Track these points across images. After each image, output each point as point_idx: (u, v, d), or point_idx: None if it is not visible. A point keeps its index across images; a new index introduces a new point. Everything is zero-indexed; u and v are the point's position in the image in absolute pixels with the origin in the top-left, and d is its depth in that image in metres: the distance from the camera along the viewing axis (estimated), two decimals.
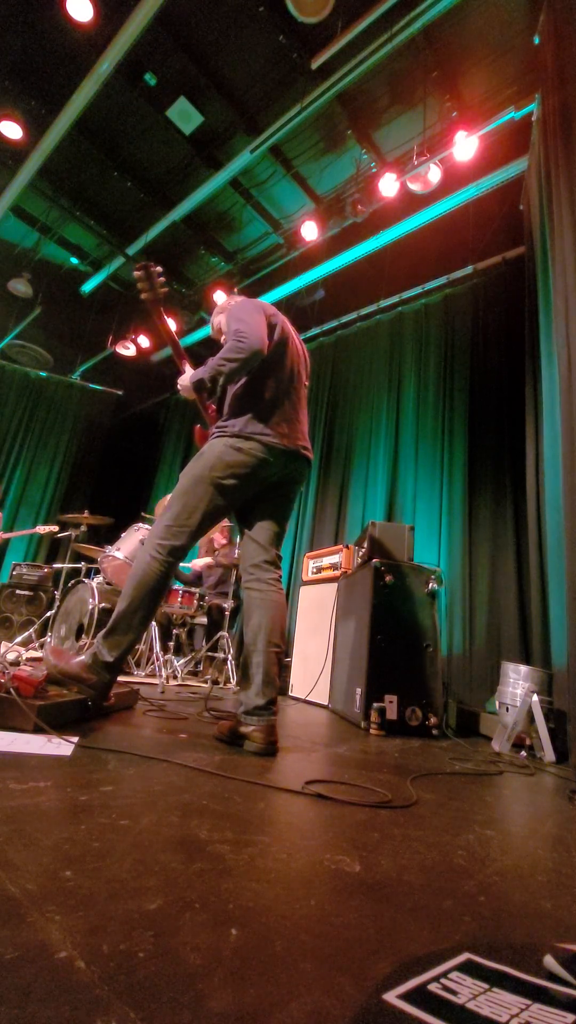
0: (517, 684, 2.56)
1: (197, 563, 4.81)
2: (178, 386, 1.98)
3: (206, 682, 3.96)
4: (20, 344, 7.29)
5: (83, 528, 4.53)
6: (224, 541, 4.87)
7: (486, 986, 0.52)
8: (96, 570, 3.92)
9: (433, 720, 2.59)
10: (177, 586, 4.11)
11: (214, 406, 2.08)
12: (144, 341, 6.83)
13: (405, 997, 0.49)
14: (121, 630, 1.74)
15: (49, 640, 3.92)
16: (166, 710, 2.22)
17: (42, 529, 5.03)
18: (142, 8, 3.66)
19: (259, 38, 4.09)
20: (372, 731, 2.44)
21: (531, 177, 3.89)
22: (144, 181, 5.48)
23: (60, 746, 1.28)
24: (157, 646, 3.23)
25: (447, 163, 4.20)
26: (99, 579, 3.64)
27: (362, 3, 3.63)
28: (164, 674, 3.15)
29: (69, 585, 3.96)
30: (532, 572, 3.29)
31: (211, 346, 6.66)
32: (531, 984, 0.54)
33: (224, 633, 4.18)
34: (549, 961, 0.57)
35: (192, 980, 0.49)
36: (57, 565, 4.91)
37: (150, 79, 4.46)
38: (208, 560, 4.79)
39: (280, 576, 1.94)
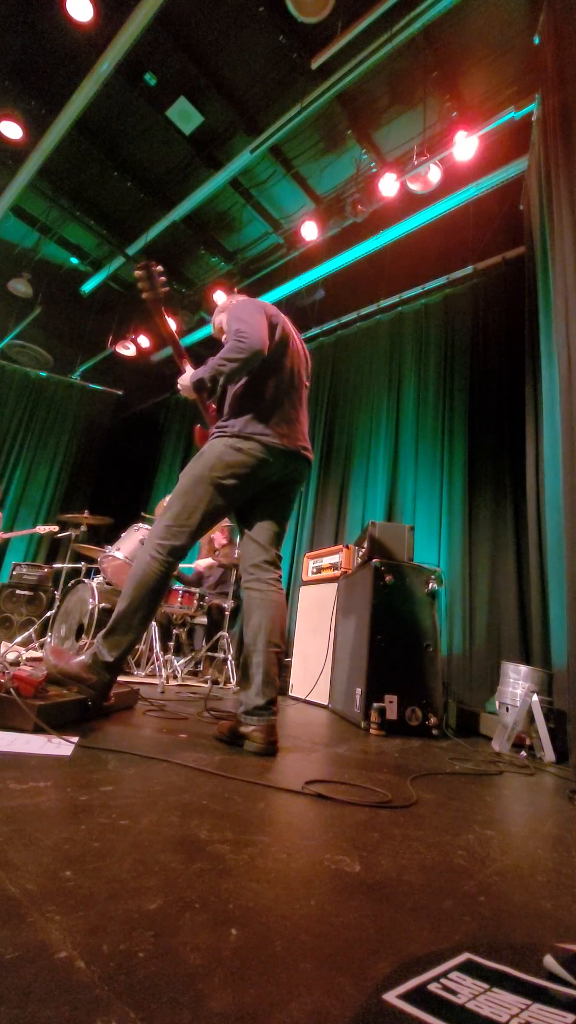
0: (517, 684, 2.56)
1: (200, 564, 4.81)
2: (178, 386, 1.99)
3: (206, 682, 3.96)
4: (20, 344, 7.29)
5: (83, 528, 4.53)
6: (224, 541, 4.87)
7: (486, 986, 0.52)
8: (96, 570, 3.92)
9: (433, 720, 2.59)
10: (177, 586, 4.11)
11: (214, 406, 2.08)
12: (144, 341, 6.83)
13: (405, 997, 0.49)
14: (121, 630, 1.74)
15: (49, 640, 3.92)
16: (166, 710, 2.22)
17: (42, 529, 5.03)
18: (142, 8, 3.66)
19: (259, 38, 4.09)
20: (372, 731, 2.44)
21: (531, 177, 3.89)
22: (144, 181, 5.48)
23: (60, 746, 1.28)
24: (157, 646, 3.23)
25: (447, 163, 4.20)
26: (99, 579, 3.64)
27: (362, 3, 3.63)
28: (164, 674, 3.15)
29: (69, 585, 3.96)
30: (532, 572, 3.28)
31: (211, 346, 6.67)
32: (531, 984, 0.54)
33: (224, 633, 4.18)
34: (549, 961, 0.57)
35: (192, 980, 0.49)
36: (57, 565, 4.91)
37: (150, 79, 4.46)
38: (211, 561, 4.79)
39: (280, 576, 1.94)
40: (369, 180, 4.67)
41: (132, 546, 3.42)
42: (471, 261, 5.05)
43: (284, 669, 4.03)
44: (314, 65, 3.98)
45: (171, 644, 4.01)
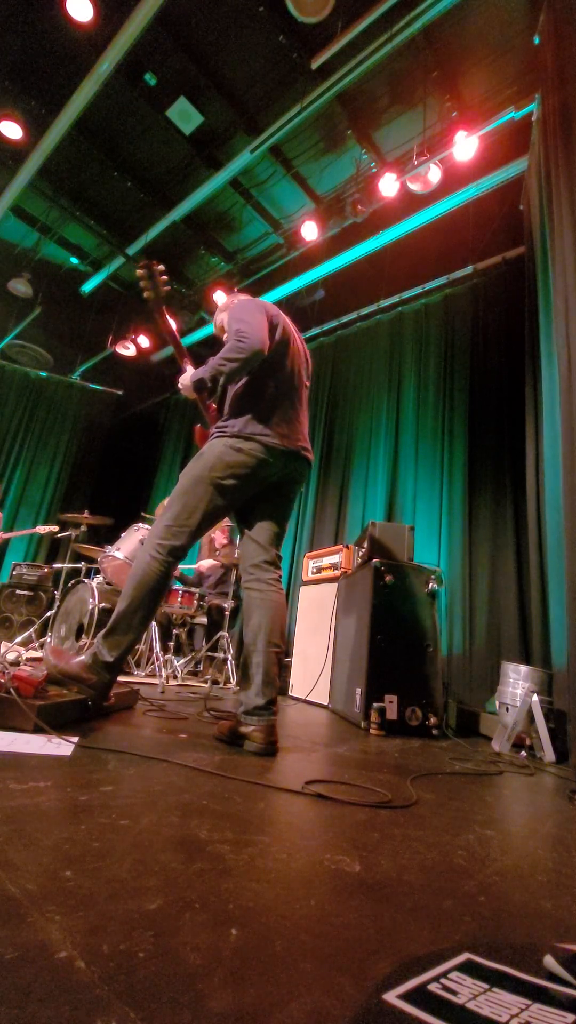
0: (517, 684, 2.56)
1: (203, 565, 4.80)
2: (179, 385, 1.99)
3: (206, 682, 3.96)
4: (20, 344, 7.29)
5: (83, 528, 4.53)
6: (225, 541, 4.87)
7: (486, 986, 0.52)
8: (96, 570, 3.92)
9: (433, 720, 2.59)
10: (177, 586, 4.11)
11: (215, 405, 2.08)
12: (144, 341, 6.83)
13: (405, 997, 0.49)
14: (121, 630, 1.74)
15: (49, 640, 3.92)
16: (166, 710, 2.22)
17: (42, 529, 5.03)
18: (142, 8, 3.66)
19: (259, 38, 4.09)
20: (372, 731, 2.44)
21: (531, 177, 3.89)
22: (144, 181, 5.48)
23: (60, 746, 1.28)
24: (157, 646, 3.23)
25: (447, 163, 4.20)
26: (99, 579, 3.64)
27: (362, 3, 3.63)
28: (164, 674, 3.15)
29: (69, 585, 3.96)
30: (532, 572, 3.28)
31: (211, 346, 6.68)
32: (531, 984, 0.54)
33: (224, 633, 4.18)
34: (549, 961, 0.57)
35: (192, 980, 0.49)
36: (57, 565, 4.91)
37: (150, 79, 4.46)
38: (214, 562, 4.78)
39: (280, 576, 1.94)
40: (369, 180, 4.67)
41: (132, 546, 3.42)
42: (471, 261, 5.05)
43: (284, 669, 4.03)
44: (314, 65, 3.98)
45: (171, 644, 4.01)
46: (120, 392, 8.33)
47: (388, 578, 2.76)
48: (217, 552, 4.87)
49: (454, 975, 0.54)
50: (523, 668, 2.61)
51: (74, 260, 6.70)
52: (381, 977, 0.53)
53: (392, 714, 2.53)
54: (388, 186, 4.41)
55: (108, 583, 3.57)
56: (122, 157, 5.28)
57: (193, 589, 4.09)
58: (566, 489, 2.36)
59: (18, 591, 5.01)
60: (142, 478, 8.32)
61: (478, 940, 0.64)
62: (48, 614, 4.57)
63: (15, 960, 0.48)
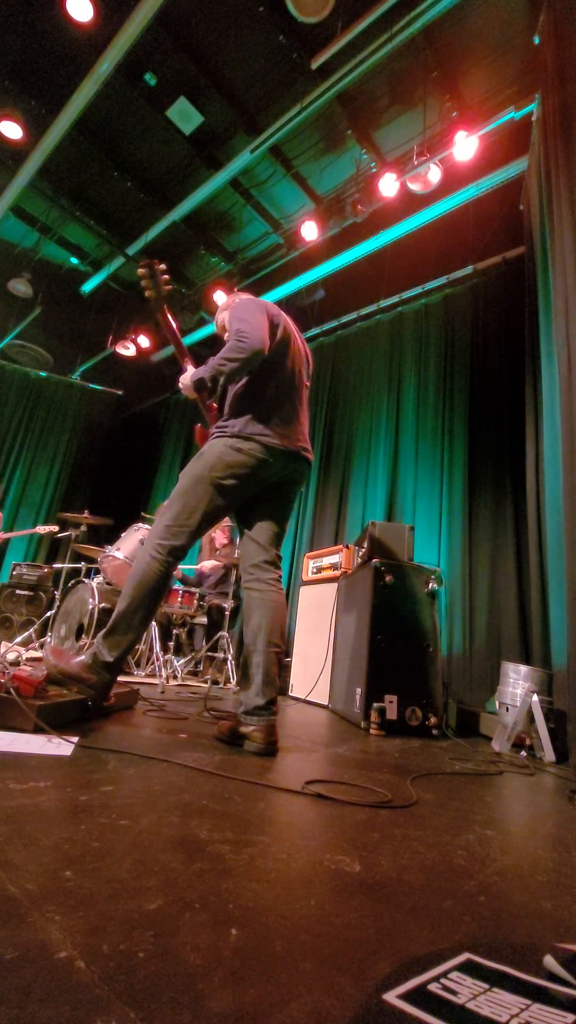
0: (517, 684, 2.56)
1: (205, 565, 4.79)
2: (179, 384, 1.99)
3: (206, 682, 3.96)
4: (20, 344, 7.29)
5: (83, 528, 4.53)
6: (225, 541, 4.87)
7: (486, 986, 0.52)
8: (96, 570, 3.92)
9: (433, 720, 2.59)
10: (177, 586, 4.11)
11: (215, 405, 2.08)
12: (144, 341, 6.83)
13: (405, 997, 0.49)
14: (121, 630, 1.74)
15: (49, 640, 3.92)
16: (166, 710, 2.22)
17: (42, 529, 5.03)
18: (142, 8, 3.66)
19: (259, 38, 4.09)
20: (372, 731, 2.44)
21: (531, 177, 3.89)
22: (144, 181, 5.48)
23: (60, 746, 1.28)
24: (157, 646, 3.23)
25: (447, 163, 4.20)
26: (99, 579, 3.64)
27: (362, 3, 3.62)
28: (164, 674, 3.15)
29: (69, 585, 3.96)
30: (532, 572, 3.28)
31: (211, 346, 6.69)
32: (531, 984, 0.54)
33: (224, 633, 4.18)
34: (549, 961, 0.57)
35: (192, 980, 0.49)
36: (57, 565, 4.91)
37: (150, 79, 4.46)
38: (216, 563, 4.77)
39: (280, 576, 1.94)
40: (369, 180, 4.66)
41: (132, 546, 3.42)
42: (471, 261, 5.05)
43: (284, 669, 4.03)
44: (314, 65, 3.98)
45: (171, 644, 4.01)
46: (120, 392, 8.33)
47: (388, 578, 2.76)
48: (218, 552, 4.87)
49: (454, 975, 0.54)
50: (523, 668, 2.61)
51: (74, 260, 6.70)
52: (381, 977, 0.53)
53: (392, 714, 2.53)
54: (388, 186, 4.41)
55: (108, 583, 3.57)
56: (122, 157, 5.27)
57: (193, 589, 4.09)
58: (566, 489, 2.36)
59: (18, 591, 5.01)
60: (142, 478, 8.32)
61: (478, 940, 0.64)
62: (48, 614, 4.57)
63: (15, 960, 0.48)
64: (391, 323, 5.72)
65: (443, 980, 0.53)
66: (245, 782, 1.24)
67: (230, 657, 4.09)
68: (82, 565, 4.30)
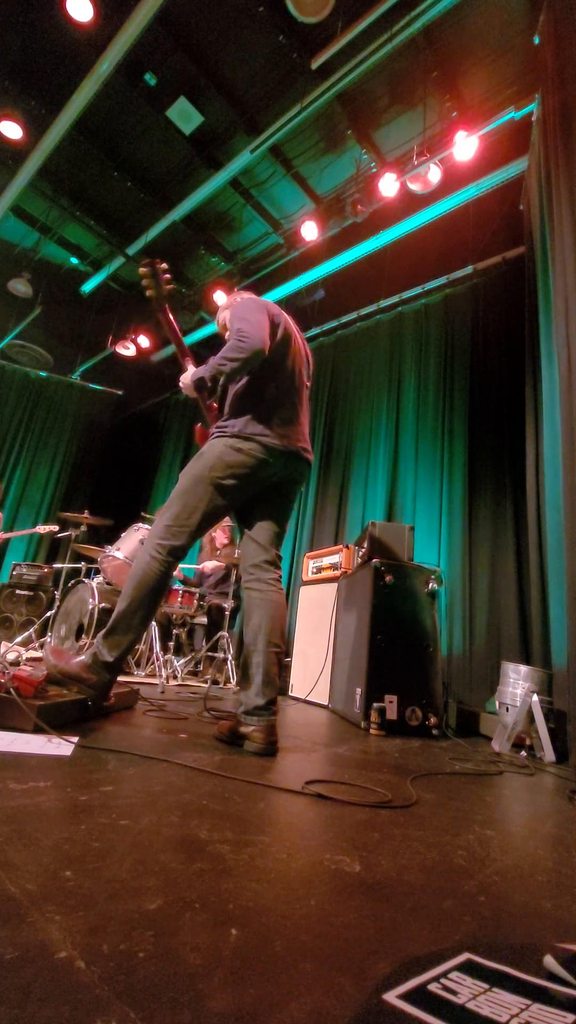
0: (517, 684, 2.56)
1: (207, 565, 4.79)
2: (180, 384, 1.99)
3: (206, 682, 3.96)
4: (20, 344, 7.29)
5: (83, 528, 4.53)
6: (226, 540, 4.87)
7: (486, 986, 0.52)
8: (96, 570, 3.92)
9: (433, 720, 2.59)
10: (177, 586, 4.11)
11: (216, 405, 2.08)
12: (144, 341, 6.83)
13: (405, 997, 0.49)
14: (121, 630, 1.74)
15: (49, 640, 3.92)
16: (166, 710, 2.22)
17: (42, 529, 5.03)
18: (142, 8, 3.66)
19: (259, 38, 4.09)
20: (372, 731, 2.44)
21: (531, 177, 3.89)
22: (144, 181, 5.48)
23: (60, 746, 1.28)
24: (157, 646, 3.23)
25: (447, 163, 4.20)
26: (99, 579, 3.64)
27: (362, 3, 3.62)
28: (164, 674, 3.15)
29: (69, 585, 3.96)
30: (532, 572, 3.29)
31: (211, 346, 6.68)
32: (531, 984, 0.54)
33: (224, 633, 4.18)
34: (549, 961, 0.57)
35: (192, 980, 0.49)
36: (57, 565, 4.92)
37: (150, 79, 4.46)
38: (218, 563, 4.77)
39: (280, 576, 1.94)
40: (369, 180, 4.67)
41: (132, 546, 3.42)
42: (471, 261, 5.05)
43: (284, 669, 4.03)
44: (314, 65, 3.98)
45: (171, 644, 4.01)
46: (120, 392, 8.33)
47: (388, 578, 2.76)
48: (218, 552, 4.86)
49: (454, 975, 0.54)
50: (523, 668, 2.61)
51: (74, 260, 6.70)
52: (381, 977, 0.53)
53: (392, 714, 2.53)
54: (388, 186, 4.41)
55: (108, 583, 3.57)
56: (122, 157, 5.27)
57: (193, 589, 4.09)
58: (566, 489, 2.36)
59: (18, 591, 5.01)
60: (142, 478, 8.32)
61: (478, 940, 0.64)
62: (48, 614, 4.57)
63: (15, 960, 0.48)
64: (391, 323, 5.72)
65: (443, 980, 0.53)
66: (245, 782, 1.24)
67: (230, 657, 4.09)
68: (82, 565, 4.29)
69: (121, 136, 5.06)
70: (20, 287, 6.45)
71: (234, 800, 1.08)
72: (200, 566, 4.84)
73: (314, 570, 4.08)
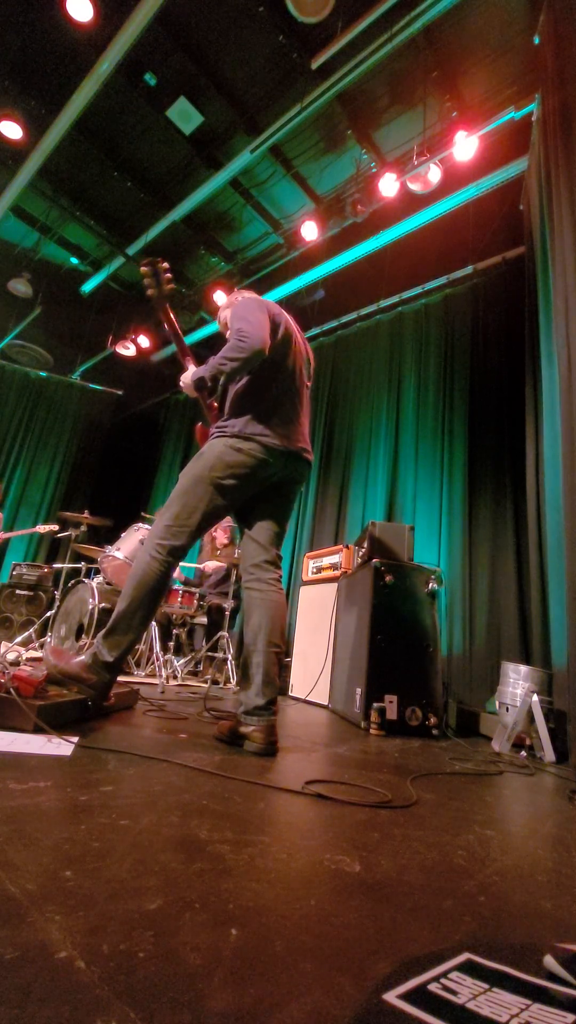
0: (517, 684, 2.56)
1: (209, 565, 4.79)
2: (180, 383, 1.99)
3: (206, 682, 3.96)
4: (20, 344, 7.29)
5: (83, 528, 4.53)
6: (226, 540, 4.87)
7: (486, 986, 0.52)
8: (96, 570, 3.92)
9: (433, 720, 2.59)
10: (177, 586, 4.10)
11: (216, 404, 2.08)
12: (144, 341, 6.83)
13: (405, 997, 0.49)
14: (121, 630, 1.74)
15: (49, 640, 3.92)
16: (166, 710, 2.22)
17: (42, 528, 5.03)
18: (142, 8, 3.66)
19: (259, 38, 4.09)
20: (372, 731, 2.44)
21: (531, 177, 3.89)
22: (144, 181, 5.48)
23: (60, 746, 1.28)
24: (157, 646, 3.23)
25: (447, 163, 4.20)
26: (99, 579, 3.64)
27: (362, 3, 3.62)
28: (164, 674, 3.15)
29: (69, 585, 3.96)
30: (532, 572, 3.29)
31: (210, 346, 6.69)
32: (531, 984, 0.54)
33: (224, 633, 4.18)
34: (549, 961, 0.57)
35: (192, 980, 0.49)
36: (57, 565, 4.91)
37: (150, 79, 4.46)
38: (219, 563, 4.77)
39: (280, 576, 1.94)
40: (369, 180, 4.67)
41: (132, 546, 3.42)
42: (471, 261, 5.05)
43: (284, 669, 4.03)
44: (314, 65, 3.98)
45: (171, 644, 4.01)
46: (120, 392, 8.33)
47: (388, 578, 2.76)
48: (219, 552, 4.86)
49: (454, 975, 0.54)
50: (523, 668, 2.61)
51: (74, 260, 6.70)
52: (381, 977, 0.53)
53: (392, 714, 2.53)
54: (388, 186, 4.41)
55: (108, 583, 3.57)
56: (122, 157, 5.27)
57: (194, 589, 4.09)
58: (566, 489, 2.36)
59: (18, 591, 5.01)
60: (142, 478, 8.32)
61: (478, 940, 0.64)
62: (48, 614, 4.57)
63: (15, 960, 0.48)
64: (391, 323, 5.72)
65: (443, 980, 0.53)
66: (245, 782, 1.24)
67: (230, 657, 4.09)
68: (82, 565, 4.29)
69: (121, 136, 5.06)
70: (20, 287, 6.45)
71: (234, 800, 1.08)
72: (200, 566, 4.83)
73: (314, 570, 4.08)
